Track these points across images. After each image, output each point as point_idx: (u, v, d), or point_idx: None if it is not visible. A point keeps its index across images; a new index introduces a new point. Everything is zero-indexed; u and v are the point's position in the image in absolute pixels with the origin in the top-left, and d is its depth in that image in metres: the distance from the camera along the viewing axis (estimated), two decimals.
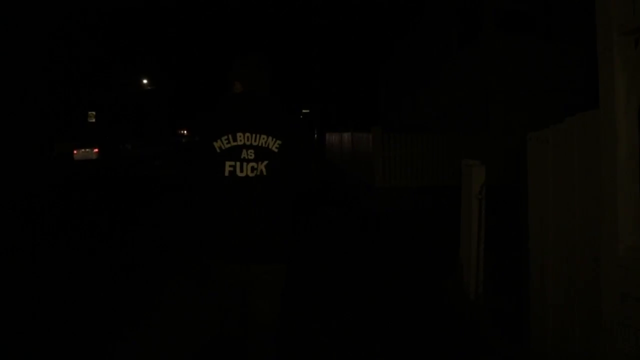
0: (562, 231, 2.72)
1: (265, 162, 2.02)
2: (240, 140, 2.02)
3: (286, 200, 2.13)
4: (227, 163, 2.02)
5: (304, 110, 38.08)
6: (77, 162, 24.44)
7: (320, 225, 7.32)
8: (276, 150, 2.03)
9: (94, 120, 34.49)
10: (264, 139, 2.03)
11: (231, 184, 2.03)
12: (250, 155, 2.02)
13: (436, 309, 4.08)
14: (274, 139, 2.04)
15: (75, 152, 25.85)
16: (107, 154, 26.83)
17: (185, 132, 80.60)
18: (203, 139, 2.12)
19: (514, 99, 9.99)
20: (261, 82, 2.19)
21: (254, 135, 2.03)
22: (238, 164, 2.01)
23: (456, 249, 4.60)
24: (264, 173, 2.02)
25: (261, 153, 2.02)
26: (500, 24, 10.21)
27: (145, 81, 44.95)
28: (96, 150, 26.32)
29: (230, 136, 2.02)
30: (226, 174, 2.02)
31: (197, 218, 2.45)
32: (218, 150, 2.03)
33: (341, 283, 4.72)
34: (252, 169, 2.01)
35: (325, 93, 31.80)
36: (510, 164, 8.60)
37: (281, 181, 2.07)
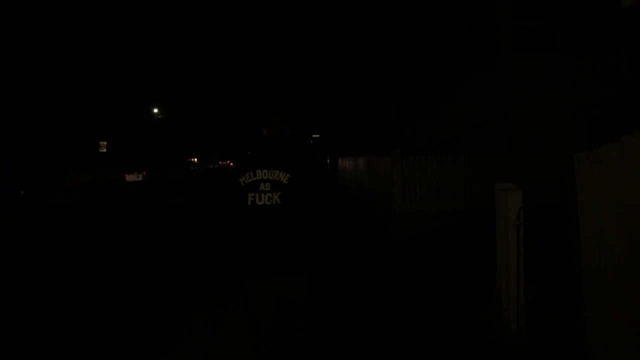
0: (623, 254, 2.50)
1: (279, 193, 2.47)
2: (259, 176, 2.49)
3: (300, 222, 2.53)
4: (249, 194, 2.48)
5: (314, 136, 38.05)
6: (128, 182, 34.44)
7: (341, 254, 7.04)
8: (286, 182, 2.48)
9: (105, 150, 34.87)
10: (276, 173, 2.49)
11: (252, 211, 2.47)
12: (267, 187, 2.47)
13: (475, 345, 3.78)
14: (285, 173, 2.49)
15: (127, 175, 35.74)
16: (149, 177, 36.70)
17: (195, 159, 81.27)
18: (233, 175, 2.56)
19: (535, 116, 9.73)
20: (283, 128, 2.67)
21: (270, 171, 2.49)
22: (257, 194, 2.47)
23: (488, 277, 4.31)
24: (279, 202, 2.46)
25: (275, 185, 2.48)
26: (517, 41, 10.03)
27: (155, 110, 45.40)
28: (144, 172, 36.65)
29: (251, 172, 2.50)
30: (248, 203, 2.47)
31: (230, 242, 2.84)
32: (242, 185, 2.50)
33: (369, 318, 4.42)
34: (269, 198, 2.46)
35: (336, 118, 31.81)
36: (534, 183, 8.36)
37: (293, 207, 2.48)
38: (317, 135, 37.31)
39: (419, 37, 17.37)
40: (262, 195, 2.46)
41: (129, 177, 35.31)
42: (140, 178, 35.17)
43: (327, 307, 4.58)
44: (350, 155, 15.76)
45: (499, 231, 4.11)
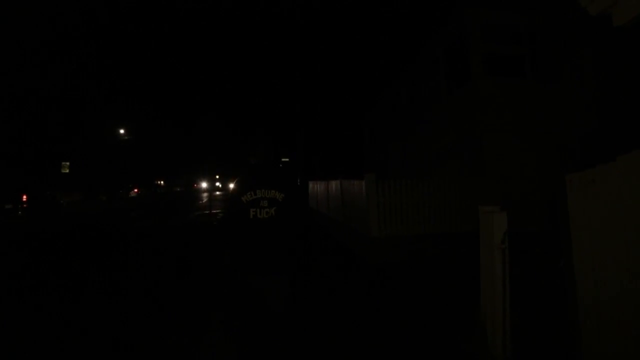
0: (624, 274, 2.41)
1: (274, 208, 3.08)
2: (259, 194, 3.09)
3: (290, 233, 3.10)
4: (251, 210, 3.07)
5: (283, 159, 37.81)
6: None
7: (316, 281, 6.79)
8: (281, 200, 3.09)
9: (67, 170, 33.72)
10: (273, 193, 3.10)
11: (253, 223, 3.05)
12: (265, 204, 3.08)
13: None
14: (280, 193, 3.10)
15: (121, 192, 44.50)
16: (142, 193, 46.49)
17: (162, 182, 79.73)
18: (235, 194, 3.13)
19: (509, 141, 9.88)
20: (266, 155, 3.30)
21: (267, 191, 3.10)
22: (257, 209, 3.07)
23: (471, 303, 4.19)
24: (274, 215, 3.07)
25: (272, 202, 3.09)
26: (488, 68, 10.24)
27: (122, 131, 44.43)
28: (136, 190, 47.11)
29: (252, 192, 3.09)
30: (250, 216, 3.06)
31: (232, 246, 3.15)
32: (244, 202, 3.08)
33: (347, 346, 4.19)
34: (267, 212, 3.06)
35: (307, 141, 31.76)
36: (508, 207, 8.35)
37: (285, 220, 3.08)
38: (287, 159, 37.10)
39: (391, 60, 17.66)
40: (262, 210, 3.05)
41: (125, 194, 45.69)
42: (135, 195, 45.45)
43: (304, 341, 4.34)
44: (322, 179, 15.60)
45: (483, 255, 4.00)
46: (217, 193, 28.61)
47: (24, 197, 26.40)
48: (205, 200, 34.88)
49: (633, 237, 2.37)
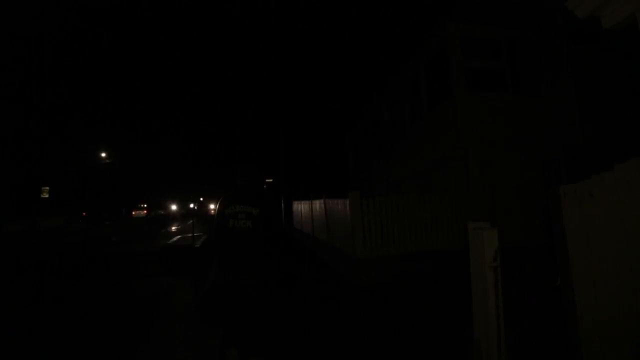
0: (627, 292, 2.24)
1: (251, 221, 3.56)
2: (237, 209, 3.61)
3: (264, 242, 3.57)
4: (230, 221, 3.58)
5: (267, 180, 37.62)
6: (134, 217, 49.23)
7: (299, 305, 6.51)
8: (256, 214, 3.58)
9: (47, 195, 33.00)
10: (249, 208, 3.60)
11: (232, 232, 3.56)
12: (242, 216, 3.58)
13: None
14: (255, 208, 3.60)
15: (133, 212, 52.11)
16: (149, 214, 51.96)
17: (145, 206, 78.67)
18: (220, 208, 3.68)
19: (492, 155, 9.82)
20: (249, 180, 3.82)
21: (244, 206, 3.61)
22: (236, 221, 3.57)
23: (463, 325, 3.98)
24: (250, 227, 3.55)
25: (248, 216, 3.57)
26: (470, 83, 10.23)
27: (103, 154, 43.79)
28: (145, 211, 53.31)
29: (232, 207, 3.62)
30: (230, 226, 3.57)
31: (215, 250, 3.61)
32: (226, 214, 3.61)
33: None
34: (243, 224, 3.55)
35: (290, 161, 31.60)
36: (499, 222, 8.21)
37: (260, 231, 3.55)
38: (271, 180, 36.93)
39: (372, 76, 17.67)
40: (239, 221, 3.55)
41: (136, 214, 51.58)
42: (144, 214, 51.42)
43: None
44: (305, 198, 15.38)
45: (474, 274, 3.79)
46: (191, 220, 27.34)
47: (84, 214, 41.79)
48: (179, 225, 33.74)
49: (636, 250, 2.19)
